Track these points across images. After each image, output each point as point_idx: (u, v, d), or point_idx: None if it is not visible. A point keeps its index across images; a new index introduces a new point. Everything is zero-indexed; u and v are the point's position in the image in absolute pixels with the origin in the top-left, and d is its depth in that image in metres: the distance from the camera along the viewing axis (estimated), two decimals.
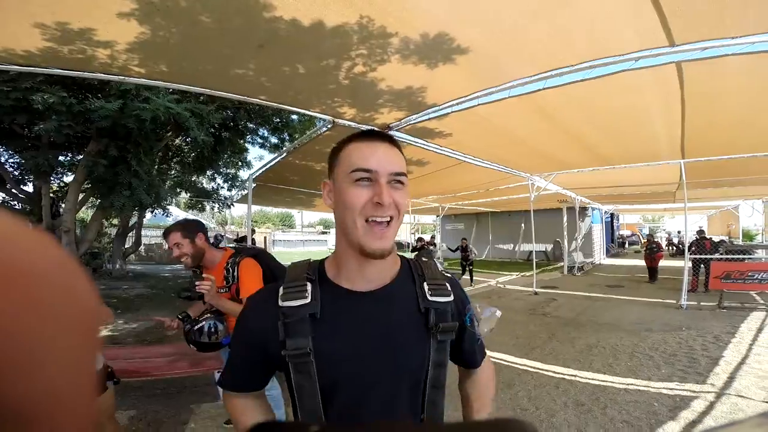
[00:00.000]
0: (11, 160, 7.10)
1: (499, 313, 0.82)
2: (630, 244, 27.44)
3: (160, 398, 3.41)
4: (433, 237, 18.53)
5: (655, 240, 11.88)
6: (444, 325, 0.79)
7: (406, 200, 0.77)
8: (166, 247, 2.25)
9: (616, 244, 23.16)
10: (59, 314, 0.21)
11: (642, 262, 12.24)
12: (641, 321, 6.30)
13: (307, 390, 0.72)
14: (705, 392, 3.53)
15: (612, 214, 22.59)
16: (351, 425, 0.74)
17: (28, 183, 7.40)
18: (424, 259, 0.89)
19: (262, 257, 2.34)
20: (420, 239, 11.14)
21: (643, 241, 11.91)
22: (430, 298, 0.80)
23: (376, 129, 0.83)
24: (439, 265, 0.92)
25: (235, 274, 2.19)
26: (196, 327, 2.13)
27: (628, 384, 3.75)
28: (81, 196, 7.42)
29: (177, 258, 2.20)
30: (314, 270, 0.80)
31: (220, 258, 2.28)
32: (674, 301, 7.67)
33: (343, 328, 0.75)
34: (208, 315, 2.16)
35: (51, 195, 7.09)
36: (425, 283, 0.82)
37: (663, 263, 11.83)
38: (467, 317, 0.88)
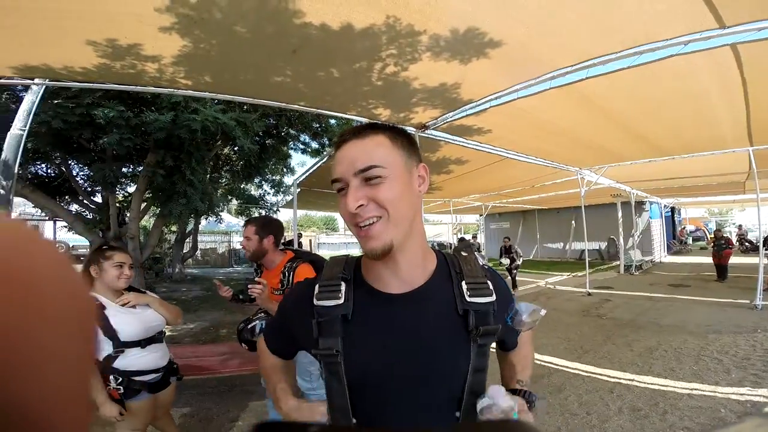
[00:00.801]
0: (82, 173, 7.81)
1: (543, 311, 0.78)
2: (694, 240, 25.15)
3: (212, 396, 3.57)
4: (475, 236, 18.06)
5: (724, 235, 10.86)
6: (485, 329, 0.73)
7: (387, 193, 0.69)
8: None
9: (677, 240, 21.31)
10: (57, 315, 0.21)
11: (709, 259, 11.17)
12: (709, 322, 5.79)
13: (336, 389, 0.72)
14: None
15: (673, 208, 20.88)
16: (351, 427, 0.75)
17: (97, 194, 8.10)
18: (463, 253, 0.83)
19: (318, 263, 2.37)
20: (462, 239, 10.80)
21: (709, 236, 10.70)
22: (469, 299, 0.75)
23: (353, 126, 0.78)
24: (480, 258, 0.87)
25: (290, 278, 2.24)
26: (249, 326, 2.21)
27: (692, 389, 3.47)
28: (143, 205, 7.99)
29: (243, 246, 2.34)
30: (351, 268, 0.80)
31: (279, 261, 2.35)
32: (747, 301, 6.97)
33: (371, 330, 0.74)
34: (261, 314, 2.23)
35: (117, 205, 7.70)
36: (464, 282, 0.77)
37: (734, 260, 10.76)
38: (509, 318, 0.81)
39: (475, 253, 0.86)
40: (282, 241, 2.47)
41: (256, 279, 2.11)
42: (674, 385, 3.57)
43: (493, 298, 0.76)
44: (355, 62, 3.29)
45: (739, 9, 2.54)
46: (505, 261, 9.84)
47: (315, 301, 0.75)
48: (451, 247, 9.66)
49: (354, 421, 0.73)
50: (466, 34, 2.87)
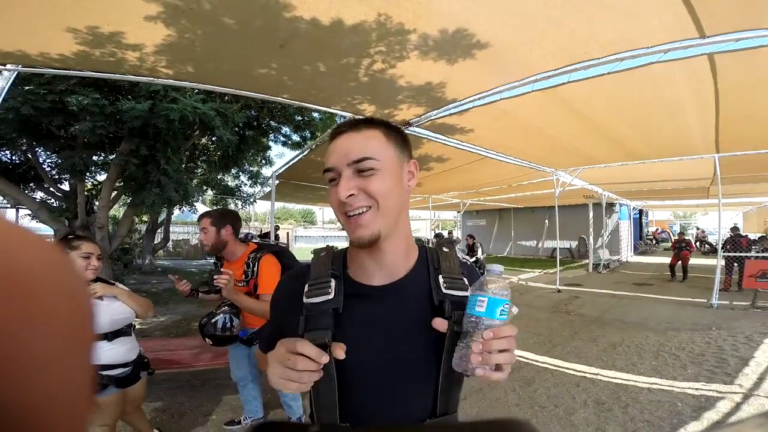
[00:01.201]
0: (49, 161, 7.45)
1: (515, 309, 0.82)
2: (659, 241, 26.42)
3: (184, 390, 3.52)
4: (450, 233, 18.30)
5: (684, 237, 11.54)
6: (459, 313, 0.73)
7: (379, 185, 0.71)
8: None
9: (644, 241, 22.29)
10: (57, 315, 0.21)
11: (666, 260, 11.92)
12: (669, 320, 6.11)
13: (324, 383, 0.70)
14: (732, 393, 3.41)
15: (641, 211, 21.80)
16: (351, 426, 0.75)
17: (65, 182, 7.76)
18: (445, 249, 0.85)
19: (282, 255, 2.37)
20: (438, 235, 10.88)
21: (673, 237, 11.30)
22: (444, 291, 0.77)
23: (349, 119, 0.81)
24: (460, 254, 0.89)
25: (255, 269, 2.22)
26: (212, 320, 2.16)
27: (651, 383, 3.67)
28: (113, 194, 7.71)
29: (201, 240, 2.29)
30: (338, 263, 0.81)
31: (242, 252, 2.32)
32: (705, 300, 7.39)
33: (359, 323, 0.75)
34: (225, 308, 2.19)
35: (86, 193, 7.40)
36: (440, 276, 0.79)
37: (694, 261, 11.38)
38: None
39: (455, 249, 0.89)
40: (254, 233, 2.45)
41: (222, 270, 2.07)
42: (635, 380, 3.75)
43: (468, 293, 0.76)
44: (343, 58, 3.27)
45: (720, 19, 2.65)
46: (470, 258, 10.04)
47: (305, 299, 0.76)
48: (428, 243, 9.79)
49: (338, 416, 0.74)
50: (454, 35, 2.91)
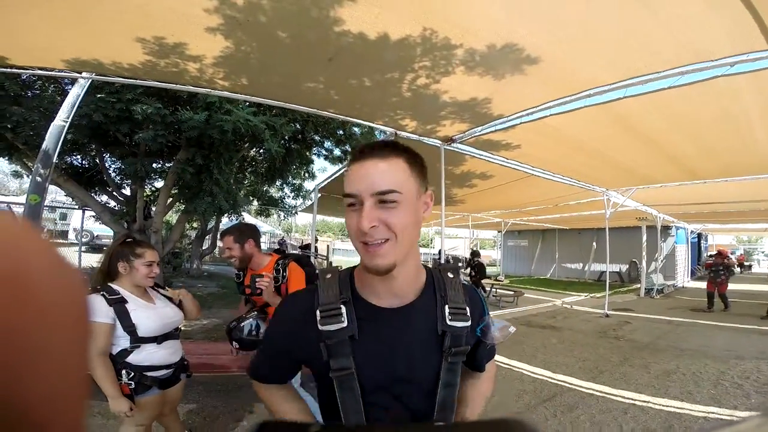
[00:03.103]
0: (114, 166, 8.06)
1: (512, 328, 0.82)
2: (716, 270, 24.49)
3: (219, 394, 3.57)
4: (475, 250, 17.47)
5: (724, 261, 9.42)
6: (456, 349, 0.81)
7: (400, 218, 0.73)
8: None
9: (702, 266, 20.68)
10: (54, 314, 0.21)
11: (734, 285, 10.54)
12: (730, 348, 5.60)
13: (351, 404, 0.77)
14: None
15: (699, 234, 20.23)
16: (351, 426, 0.79)
17: (126, 187, 8.35)
18: (450, 275, 0.88)
19: (302, 261, 2.48)
20: (473, 252, 10.60)
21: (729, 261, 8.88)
22: (449, 323, 0.82)
23: (373, 142, 0.82)
24: (463, 277, 0.91)
25: (285, 274, 2.32)
26: (240, 324, 2.27)
27: (708, 413, 3.38)
28: (169, 200, 8.19)
29: (227, 258, 2.40)
30: (345, 285, 0.83)
31: (268, 261, 2.42)
32: None
33: (374, 345, 0.79)
34: (253, 314, 2.29)
35: (144, 198, 7.91)
36: (447, 306, 0.83)
37: (758, 287, 10.16)
38: (479, 329, 0.89)
39: (461, 274, 0.93)
40: (299, 245, 2.54)
41: (264, 273, 2.20)
42: (690, 408, 3.47)
43: (469, 323, 0.84)
44: (387, 72, 3.32)
45: None
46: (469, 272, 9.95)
47: (320, 327, 0.78)
48: (466, 261, 9.83)
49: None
50: (503, 50, 2.86)
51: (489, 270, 21.46)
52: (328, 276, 0.85)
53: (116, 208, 8.14)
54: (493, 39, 2.75)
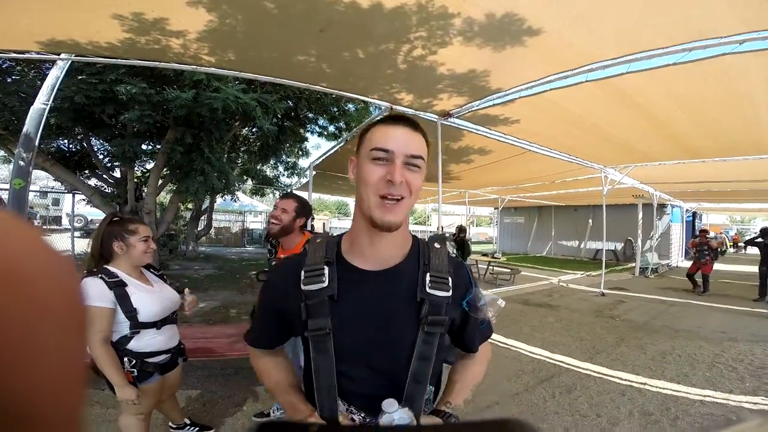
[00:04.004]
0: (102, 149, 7.88)
1: (502, 302, 0.79)
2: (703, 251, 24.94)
3: (218, 378, 3.54)
4: (461, 226, 17.07)
5: (709, 242, 9.07)
6: (433, 318, 0.81)
7: (419, 182, 0.80)
8: (276, 204, 2.30)
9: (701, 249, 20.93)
10: (51, 310, 0.21)
11: (728, 266, 10.52)
12: (724, 329, 5.66)
13: (324, 366, 0.79)
14: None
15: (694, 213, 20.32)
16: (352, 426, 0.81)
17: (116, 169, 8.20)
18: (436, 245, 0.90)
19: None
20: (460, 227, 9.82)
21: (716, 242, 8.26)
22: (428, 290, 0.82)
23: (403, 114, 0.88)
24: (451, 249, 0.93)
25: None
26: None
27: (704, 396, 3.40)
28: (160, 181, 8.06)
29: (273, 217, 2.25)
30: (332, 248, 0.86)
31: (299, 241, 2.30)
32: (766, 311, 6.82)
33: (353, 307, 0.81)
34: None
35: (135, 180, 7.78)
36: (428, 274, 0.84)
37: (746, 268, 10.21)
38: (465, 302, 0.88)
39: (448, 244, 0.89)
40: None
41: (281, 256, 2.12)
42: (687, 391, 3.51)
43: (449, 293, 0.83)
44: (382, 43, 3.17)
45: None
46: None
47: (303, 286, 0.81)
48: (452, 237, 9.60)
49: (339, 401, 0.81)
50: (502, 20, 2.72)
51: (485, 248, 21.46)
52: (318, 240, 0.88)
53: (107, 191, 8.01)
54: (493, 7, 2.61)
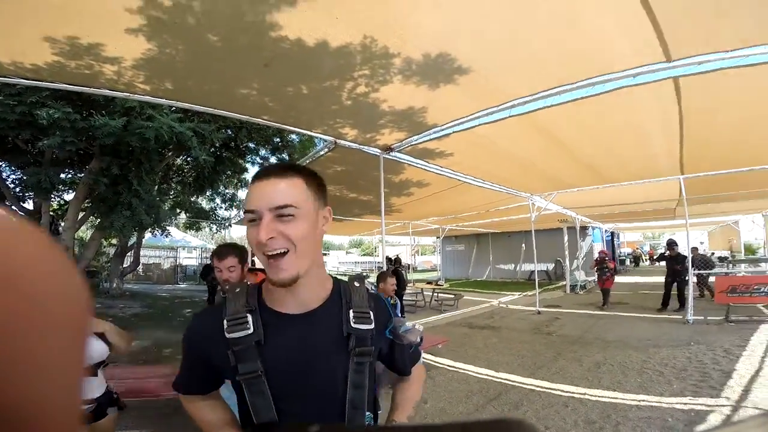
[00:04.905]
0: (13, 176, 7.08)
1: (421, 327, 0.93)
2: (631, 261, 28.04)
3: (154, 419, 3.31)
4: (398, 257, 17.33)
5: (603, 258, 10.14)
6: (360, 349, 0.86)
7: (298, 230, 0.79)
8: (216, 265, 2.11)
9: (617, 261, 23.23)
10: (52, 313, 0.21)
11: (645, 279, 11.58)
12: (648, 337, 6.21)
13: (262, 405, 0.81)
14: (720, 406, 3.44)
15: (612, 233, 22.61)
16: (351, 426, 0.83)
17: (28, 200, 7.38)
18: (356, 284, 0.95)
19: None
20: (390, 260, 9.87)
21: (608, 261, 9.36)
22: (353, 325, 0.87)
23: (276, 164, 0.91)
24: (370, 287, 1.02)
25: None
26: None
27: (639, 400, 3.66)
28: (81, 215, 7.37)
29: (225, 280, 2.08)
30: (253, 296, 0.88)
31: (254, 281, 2.23)
32: (680, 317, 7.58)
33: (281, 349, 0.83)
34: None
35: (51, 213, 7.06)
36: (351, 311, 0.89)
37: (656, 279, 11.34)
38: (387, 331, 0.96)
39: (365, 282, 1.00)
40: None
41: None
42: (623, 398, 3.75)
43: (372, 326, 0.89)
44: (326, 80, 3.29)
45: (685, 43, 2.80)
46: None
47: (227, 334, 0.82)
48: (409, 267, 9.74)
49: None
50: (437, 59, 2.97)
51: (430, 275, 21.95)
52: (237, 290, 0.89)
53: None
54: (429, 48, 2.84)
